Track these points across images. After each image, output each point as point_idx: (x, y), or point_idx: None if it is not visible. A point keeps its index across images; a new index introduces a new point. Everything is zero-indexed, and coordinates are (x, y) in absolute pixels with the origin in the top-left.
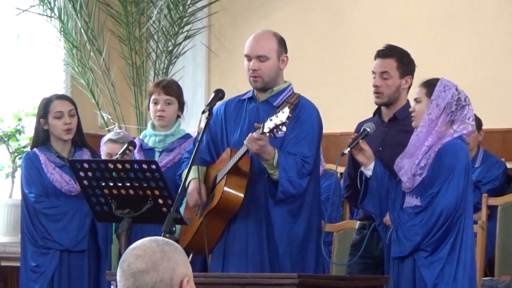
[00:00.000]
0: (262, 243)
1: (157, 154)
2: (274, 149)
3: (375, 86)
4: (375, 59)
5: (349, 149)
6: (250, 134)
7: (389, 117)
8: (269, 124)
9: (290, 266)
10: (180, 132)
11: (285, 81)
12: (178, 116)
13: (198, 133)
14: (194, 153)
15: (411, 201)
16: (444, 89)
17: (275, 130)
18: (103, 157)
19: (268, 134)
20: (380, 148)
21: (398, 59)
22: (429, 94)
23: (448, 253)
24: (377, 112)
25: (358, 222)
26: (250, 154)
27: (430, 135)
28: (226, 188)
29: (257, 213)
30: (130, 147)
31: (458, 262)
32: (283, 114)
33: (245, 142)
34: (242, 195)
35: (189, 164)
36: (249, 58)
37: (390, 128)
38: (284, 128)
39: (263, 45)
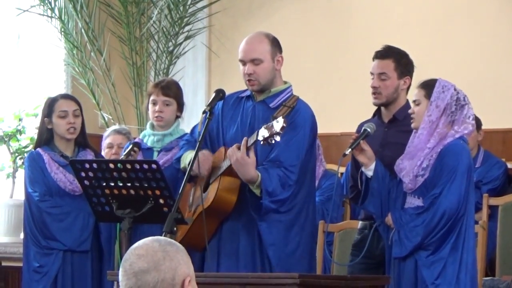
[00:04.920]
0: (253, 242)
1: (155, 153)
2: (257, 173)
3: (373, 87)
4: (373, 60)
5: (350, 149)
6: (234, 152)
7: (389, 118)
8: (263, 133)
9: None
10: (179, 131)
11: (285, 82)
12: (178, 117)
13: (195, 126)
14: (197, 146)
15: (413, 201)
16: (443, 89)
17: (269, 139)
18: (104, 148)
19: (262, 143)
20: (380, 149)
21: (396, 60)
22: (428, 95)
23: (448, 253)
24: (377, 113)
25: (360, 222)
26: None
27: (432, 137)
28: (219, 190)
29: (249, 214)
30: (135, 148)
31: (461, 263)
32: (278, 124)
33: (228, 154)
34: (235, 197)
35: (194, 153)
36: (243, 62)
37: (390, 128)
38: (278, 138)
39: (256, 48)
